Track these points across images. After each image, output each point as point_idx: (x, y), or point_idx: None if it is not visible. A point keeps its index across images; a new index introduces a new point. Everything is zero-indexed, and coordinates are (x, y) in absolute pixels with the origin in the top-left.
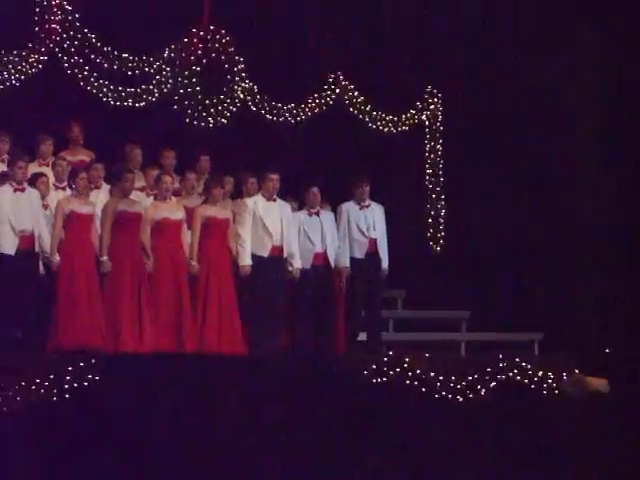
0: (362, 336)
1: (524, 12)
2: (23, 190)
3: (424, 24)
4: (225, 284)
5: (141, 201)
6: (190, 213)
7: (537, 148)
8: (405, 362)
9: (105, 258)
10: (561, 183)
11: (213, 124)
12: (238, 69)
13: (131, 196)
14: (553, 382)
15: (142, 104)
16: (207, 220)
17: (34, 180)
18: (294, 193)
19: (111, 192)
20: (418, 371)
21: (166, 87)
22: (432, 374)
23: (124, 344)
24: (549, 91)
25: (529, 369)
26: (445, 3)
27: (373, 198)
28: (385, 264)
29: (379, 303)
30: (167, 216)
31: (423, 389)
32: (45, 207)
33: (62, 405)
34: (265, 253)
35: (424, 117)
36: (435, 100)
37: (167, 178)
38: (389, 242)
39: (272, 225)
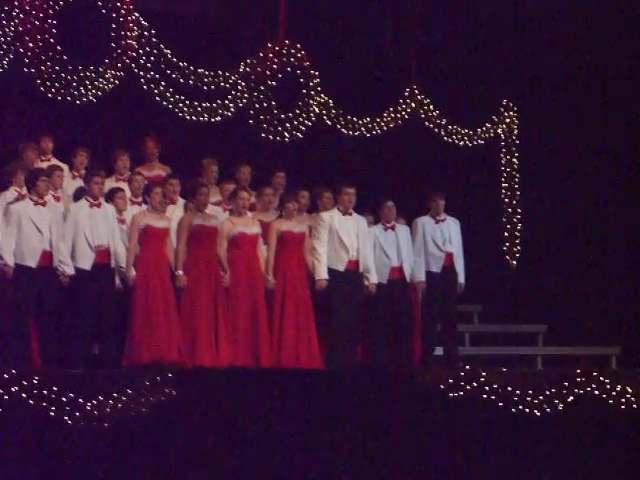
0: (438, 350)
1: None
2: (99, 205)
3: (499, 37)
4: (301, 298)
5: (217, 215)
6: (266, 228)
7: (617, 157)
8: (482, 376)
9: (180, 272)
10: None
11: (289, 138)
12: (313, 83)
13: (207, 210)
14: (631, 397)
15: (218, 119)
16: (283, 234)
17: (112, 195)
18: (369, 207)
19: (186, 206)
20: (495, 385)
21: (242, 102)
22: (509, 388)
23: (201, 358)
24: None
25: (607, 383)
26: (523, 18)
27: (449, 212)
28: (461, 278)
29: (455, 317)
30: (243, 231)
31: (500, 403)
32: (122, 222)
33: (139, 419)
34: (341, 267)
35: (500, 130)
36: (511, 113)
37: (244, 193)
38: (465, 256)
39: (348, 239)
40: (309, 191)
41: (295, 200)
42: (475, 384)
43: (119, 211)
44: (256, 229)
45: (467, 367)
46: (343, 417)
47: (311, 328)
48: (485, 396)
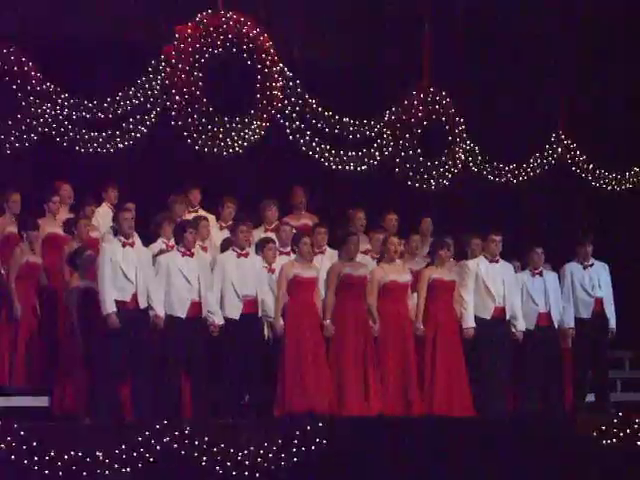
0: (590, 397)
1: None
2: (246, 255)
3: None
4: (452, 346)
5: (367, 264)
6: (414, 275)
7: None
8: (635, 423)
9: (328, 322)
10: None
11: (435, 186)
12: (459, 130)
13: (356, 259)
14: None
15: (363, 167)
16: (434, 282)
17: (262, 246)
18: (517, 253)
19: (340, 256)
20: None
21: (387, 150)
22: None
23: (350, 408)
24: None
25: None
26: None
27: (598, 257)
28: (612, 324)
29: (606, 363)
30: (395, 279)
31: None
32: (271, 272)
33: (290, 469)
34: (488, 315)
35: None
36: None
37: (394, 240)
38: (615, 301)
39: (494, 286)
40: (454, 238)
41: (448, 248)
42: (628, 431)
43: (269, 262)
44: (407, 277)
45: (620, 414)
46: (495, 465)
47: (462, 376)
48: (639, 443)
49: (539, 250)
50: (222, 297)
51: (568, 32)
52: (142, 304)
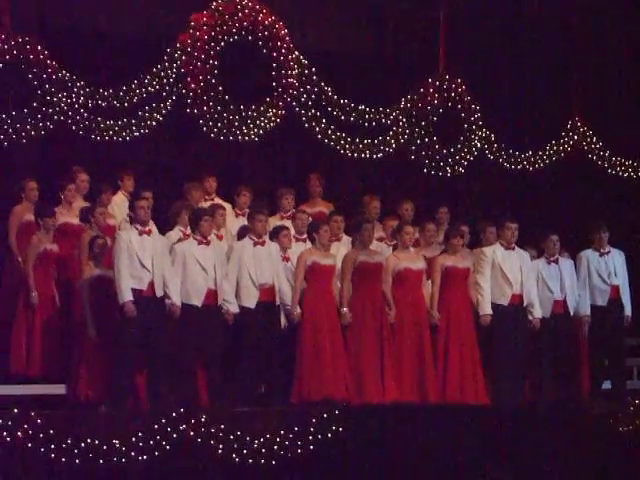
0: (606, 385)
1: None
2: (263, 243)
3: None
4: (466, 333)
5: (382, 251)
6: (429, 263)
7: None
8: None
9: (345, 309)
10: None
11: (451, 173)
12: (474, 118)
13: (371, 246)
14: None
15: (379, 155)
16: (447, 270)
17: (277, 233)
18: (533, 241)
19: (353, 243)
20: None
21: (403, 137)
22: None
23: (367, 395)
24: None
25: None
26: None
27: (614, 244)
28: (628, 311)
29: (623, 351)
30: (409, 266)
31: None
32: (286, 260)
33: (306, 456)
34: (505, 302)
35: None
36: None
37: (409, 228)
38: (631, 289)
39: (511, 273)
40: (470, 226)
41: (460, 236)
42: None
43: (283, 249)
44: (421, 264)
45: (637, 401)
46: (510, 452)
47: (476, 363)
48: None
49: (555, 238)
50: (238, 285)
51: (584, 18)
52: (158, 292)
